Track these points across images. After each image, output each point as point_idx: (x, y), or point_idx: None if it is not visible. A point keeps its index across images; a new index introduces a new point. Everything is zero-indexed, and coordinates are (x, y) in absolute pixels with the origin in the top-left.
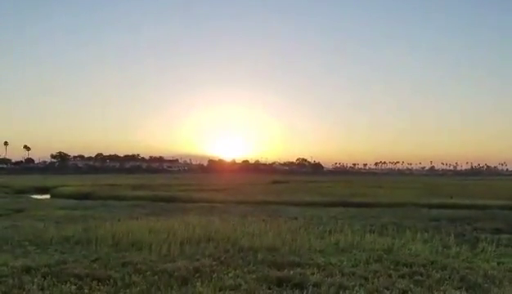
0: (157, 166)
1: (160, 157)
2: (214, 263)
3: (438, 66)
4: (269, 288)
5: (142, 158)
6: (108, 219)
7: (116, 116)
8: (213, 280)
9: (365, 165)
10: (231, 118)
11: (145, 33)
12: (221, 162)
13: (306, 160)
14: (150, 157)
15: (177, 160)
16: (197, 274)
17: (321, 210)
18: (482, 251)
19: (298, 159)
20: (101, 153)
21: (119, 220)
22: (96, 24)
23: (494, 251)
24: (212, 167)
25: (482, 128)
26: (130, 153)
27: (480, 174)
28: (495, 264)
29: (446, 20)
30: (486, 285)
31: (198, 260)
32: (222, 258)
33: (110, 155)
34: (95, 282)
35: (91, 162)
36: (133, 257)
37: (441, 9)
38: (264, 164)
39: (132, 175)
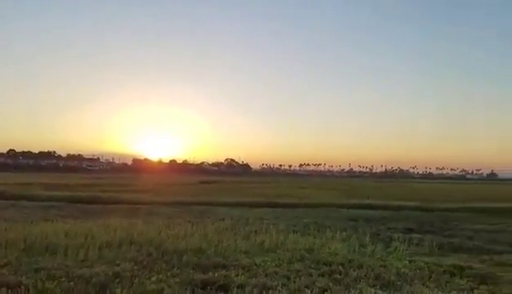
0: (76, 164)
1: (79, 155)
2: (136, 267)
3: (360, 71)
4: (193, 292)
5: (59, 155)
6: (19, 221)
7: (31, 110)
8: (134, 285)
9: (290, 166)
10: (159, 117)
11: (70, 28)
12: (146, 161)
13: (234, 160)
14: (68, 155)
15: (98, 159)
16: (117, 280)
17: (248, 210)
18: (395, 249)
19: (226, 160)
20: (13, 150)
21: (31, 223)
22: (19, 16)
23: (406, 249)
24: (136, 167)
25: (396, 134)
26: (45, 150)
27: (394, 176)
28: (407, 262)
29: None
30: (398, 283)
31: (118, 264)
32: (145, 262)
33: (23, 152)
34: (4, 290)
35: (1, 159)
36: (47, 262)
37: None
38: (192, 164)
39: (48, 173)
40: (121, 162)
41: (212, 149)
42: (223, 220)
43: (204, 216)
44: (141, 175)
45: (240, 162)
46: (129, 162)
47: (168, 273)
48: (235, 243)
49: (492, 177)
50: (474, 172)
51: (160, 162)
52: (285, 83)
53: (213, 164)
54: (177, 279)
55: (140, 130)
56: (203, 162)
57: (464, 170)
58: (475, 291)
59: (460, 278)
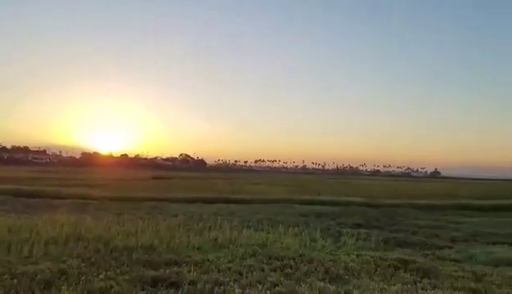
0: (21, 156)
1: (25, 147)
2: (83, 264)
3: (318, 70)
4: (143, 289)
5: (4, 147)
6: None
7: None
8: (81, 283)
9: (245, 162)
10: (110, 111)
11: (19, 21)
12: (96, 155)
13: (189, 156)
14: (13, 146)
15: (44, 151)
16: (63, 277)
17: (202, 206)
18: (344, 244)
19: (181, 155)
20: None
21: None
22: None
23: (354, 244)
24: (85, 161)
25: (347, 133)
26: None
27: (344, 173)
28: (354, 256)
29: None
30: (346, 276)
31: (64, 261)
32: (93, 259)
33: None
34: None
35: None
36: None
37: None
38: (145, 159)
39: None
40: (69, 155)
41: (166, 143)
42: (176, 216)
43: (156, 212)
44: (90, 170)
45: (195, 158)
46: (78, 156)
47: (117, 271)
48: (187, 240)
49: (436, 175)
50: (419, 170)
51: (111, 157)
52: (241, 80)
53: (167, 159)
54: (127, 277)
55: (90, 123)
56: (156, 157)
57: (409, 168)
58: (418, 285)
59: (405, 271)
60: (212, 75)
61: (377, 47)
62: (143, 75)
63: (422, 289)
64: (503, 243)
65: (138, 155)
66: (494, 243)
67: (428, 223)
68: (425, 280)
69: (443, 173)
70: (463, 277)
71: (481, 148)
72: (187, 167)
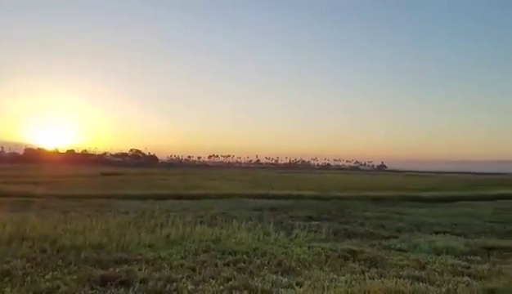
0: None
1: None
2: (28, 265)
3: (274, 64)
4: (92, 288)
5: None
6: None
7: None
8: (27, 284)
9: (199, 158)
10: (57, 106)
11: None
12: (41, 151)
13: (140, 151)
14: None
15: None
16: (7, 278)
17: (154, 203)
18: (296, 237)
19: (131, 150)
20: None
21: None
22: None
23: (306, 236)
24: (29, 157)
25: (300, 128)
26: None
27: (296, 167)
28: (306, 248)
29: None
30: (298, 268)
31: (8, 262)
32: (39, 259)
33: None
34: None
35: None
36: None
37: None
38: (93, 155)
39: None
40: (11, 151)
41: (115, 139)
42: (127, 213)
43: (106, 209)
44: (35, 166)
45: (147, 153)
46: (21, 152)
47: (65, 270)
48: (138, 237)
49: (382, 168)
50: (367, 164)
51: (57, 153)
52: (194, 74)
53: (117, 155)
54: (75, 276)
55: (34, 119)
56: (105, 153)
57: (357, 162)
58: (366, 274)
59: (353, 261)
60: (163, 70)
61: (332, 45)
62: (91, 70)
63: (370, 278)
64: (444, 233)
65: (86, 151)
66: (436, 233)
67: (376, 214)
68: (373, 269)
69: (389, 167)
70: (408, 265)
71: (425, 142)
72: (138, 162)
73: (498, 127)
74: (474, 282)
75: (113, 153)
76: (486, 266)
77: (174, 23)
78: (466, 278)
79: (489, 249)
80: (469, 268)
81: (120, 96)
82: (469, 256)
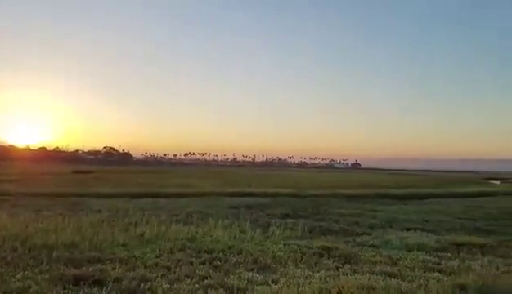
0: None
1: None
2: None
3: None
4: (64, 288)
5: None
6: None
7: None
8: None
9: (175, 155)
10: (28, 103)
11: None
12: (12, 148)
13: (114, 149)
14: None
15: None
16: None
17: (128, 201)
18: (272, 234)
19: (104, 148)
20: None
21: None
22: None
23: (281, 234)
24: (0, 154)
25: (276, 126)
26: None
27: (273, 165)
28: (282, 246)
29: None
30: (274, 265)
31: None
32: (9, 258)
33: None
34: None
35: None
36: None
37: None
38: (65, 152)
39: None
40: None
41: (88, 136)
42: (100, 212)
43: (78, 208)
44: (6, 164)
45: (121, 151)
46: None
47: (36, 270)
48: (112, 236)
49: (356, 166)
50: (341, 162)
51: (28, 150)
52: (171, 72)
53: (90, 152)
54: (46, 276)
55: (5, 116)
56: (77, 150)
57: (333, 160)
58: (340, 270)
59: (328, 258)
60: (137, 67)
61: (308, 45)
62: (64, 67)
63: (343, 274)
64: (416, 230)
65: (58, 148)
66: (408, 230)
67: (350, 212)
68: (347, 266)
69: (363, 165)
70: (380, 261)
71: (397, 141)
72: (112, 160)
73: (467, 127)
74: (445, 278)
75: (85, 150)
76: (456, 262)
77: (152, 22)
78: (437, 274)
79: (459, 245)
80: (439, 264)
81: (93, 93)
82: (439, 253)
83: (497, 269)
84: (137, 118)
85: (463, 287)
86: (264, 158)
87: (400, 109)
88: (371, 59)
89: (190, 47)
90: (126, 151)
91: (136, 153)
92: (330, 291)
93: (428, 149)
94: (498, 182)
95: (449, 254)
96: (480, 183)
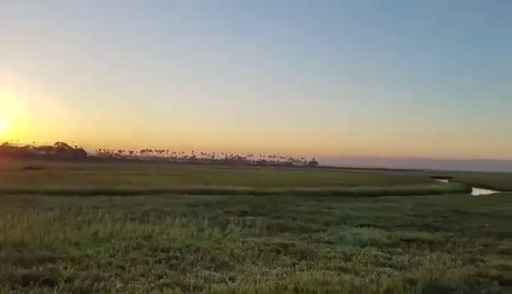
0: None
1: None
2: None
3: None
4: (13, 288)
5: None
6: None
7: None
8: None
9: (131, 152)
10: None
11: None
12: None
13: (67, 145)
14: None
15: None
16: None
17: (81, 199)
18: (230, 232)
19: (57, 143)
20: None
21: None
22: None
23: (240, 231)
24: None
25: (237, 124)
26: None
27: (232, 163)
28: (240, 243)
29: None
30: (232, 263)
31: None
32: None
33: None
34: None
35: None
36: None
37: None
38: (15, 147)
39: None
40: None
41: (39, 131)
42: (51, 209)
43: (29, 205)
44: None
45: (74, 147)
46: None
47: None
48: (64, 235)
49: (314, 165)
50: (299, 160)
51: None
52: (128, 66)
53: (41, 148)
54: None
55: None
56: (27, 146)
57: (291, 158)
58: (296, 266)
59: (285, 255)
60: (93, 61)
61: (266, 41)
62: (14, 59)
63: (299, 270)
64: (369, 226)
65: (7, 143)
66: (362, 226)
67: (307, 209)
68: (303, 262)
69: (320, 163)
70: (335, 257)
71: (353, 140)
72: (64, 156)
73: (417, 128)
74: (395, 273)
75: (36, 146)
76: (406, 257)
77: (103, 19)
78: (388, 269)
79: (409, 241)
80: (390, 259)
81: (45, 88)
82: (390, 248)
83: (444, 263)
84: (91, 113)
85: (412, 282)
86: (224, 156)
87: (356, 109)
88: (331, 56)
89: (149, 44)
90: (79, 147)
91: (90, 149)
92: (286, 287)
93: (383, 148)
94: (446, 181)
95: (400, 249)
96: (429, 181)
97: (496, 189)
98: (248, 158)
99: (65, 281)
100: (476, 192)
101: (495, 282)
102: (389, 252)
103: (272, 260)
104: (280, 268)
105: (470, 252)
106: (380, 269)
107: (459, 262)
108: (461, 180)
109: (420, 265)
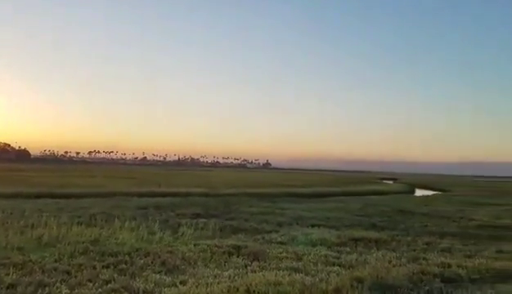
0: None
1: None
2: None
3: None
4: None
5: None
6: None
7: None
8: None
9: (78, 153)
10: None
11: None
12: None
13: (9, 145)
14: None
15: None
16: None
17: (24, 202)
18: (182, 235)
19: None
20: None
21: None
22: None
23: (192, 234)
24: None
25: (190, 125)
26: None
27: (185, 165)
28: (192, 246)
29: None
30: (183, 266)
31: None
32: None
33: None
34: None
35: None
36: None
37: None
38: None
39: None
40: None
41: None
42: None
43: None
44: None
45: (17, 148)
46: None
47: None
48: (6, 239)
49: (267, 166)
50: (253, 161)
51: None
52: (77, 62)
53: None
54: None
55: None
56: None
57: (245, 159)
58: (249, 268)
59: (238, 256)
60: (39, 57)
61: (218, 40)
62: None
63: (252, 272)
64: (319, 226)
65: None
66: (313, 226)
67: (260, 210)
68: (255, 263)
69: (273, 165)
70: (287, 257)
71: (304, 142)
72: (6, 157)
73: (371, 130)
74: (343, 271)
75: None
76: (354, 256)
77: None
78: (337, 268)
79: (357, 240)
80: (339, 258)
81: None
82: (339, 247)
83: (390, 262)
84: (35, 112)
85: (360, 280)
86: (176, 157)
87: (306, 111)
88: (284, 57)
89: (108, 43)
90: (23, 148)
91: (34, 150)
92: (238, 289)
93: (333, 150)
94: (391, 182)
95: (348, 248)
96: (376, 183)
97: (437, 190)
98: (201, 160)
99: (7, 287)
100: (419, 193)
101: (437, 280)
102: (338, 251)
103: (225, 262)
104: (232, 270)
105: (414, 251)
106: (330, 269)
107: (403, 260)
108: (406, 182)
109: (367, 263)
